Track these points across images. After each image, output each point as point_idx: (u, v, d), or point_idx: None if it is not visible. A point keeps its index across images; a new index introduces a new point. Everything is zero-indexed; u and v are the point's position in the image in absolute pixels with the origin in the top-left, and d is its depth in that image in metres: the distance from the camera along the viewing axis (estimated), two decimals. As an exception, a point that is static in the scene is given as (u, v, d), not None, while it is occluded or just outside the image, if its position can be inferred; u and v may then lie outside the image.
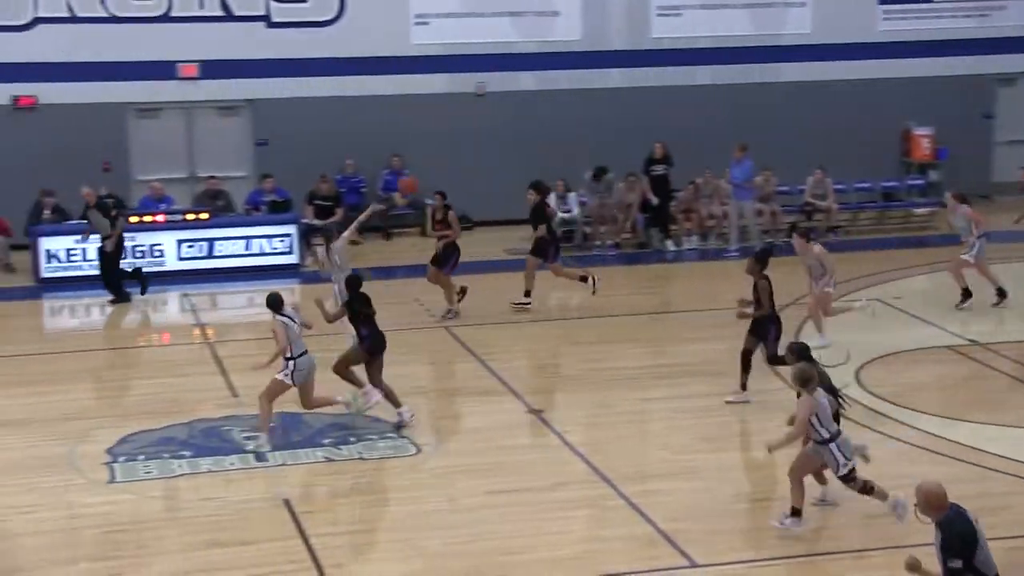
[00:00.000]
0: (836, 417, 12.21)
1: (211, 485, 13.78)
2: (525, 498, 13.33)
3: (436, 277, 19.47)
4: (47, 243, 22.14)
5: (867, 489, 12.05)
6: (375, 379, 15.01)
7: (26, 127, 24.02)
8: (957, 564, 8.73)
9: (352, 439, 14.83)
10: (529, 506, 13.13)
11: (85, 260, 21.84)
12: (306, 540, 12.29)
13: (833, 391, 12.39)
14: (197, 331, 19.48)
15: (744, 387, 15.65)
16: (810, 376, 11.93)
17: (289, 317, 14.47)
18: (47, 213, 22.77)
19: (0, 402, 16.15)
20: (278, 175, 24.02)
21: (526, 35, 25.99)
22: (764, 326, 15.46)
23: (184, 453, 14.55)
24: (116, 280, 20.69)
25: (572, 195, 24.62)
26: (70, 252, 22.08)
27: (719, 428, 15.17)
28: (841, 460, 11.95)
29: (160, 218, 22.65)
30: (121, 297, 20.58)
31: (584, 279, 20.02)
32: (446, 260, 19.40)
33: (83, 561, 11.94)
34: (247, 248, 22.82)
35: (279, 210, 23.58)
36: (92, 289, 21.06)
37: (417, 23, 25.50)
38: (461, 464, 14.29)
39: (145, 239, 22.34)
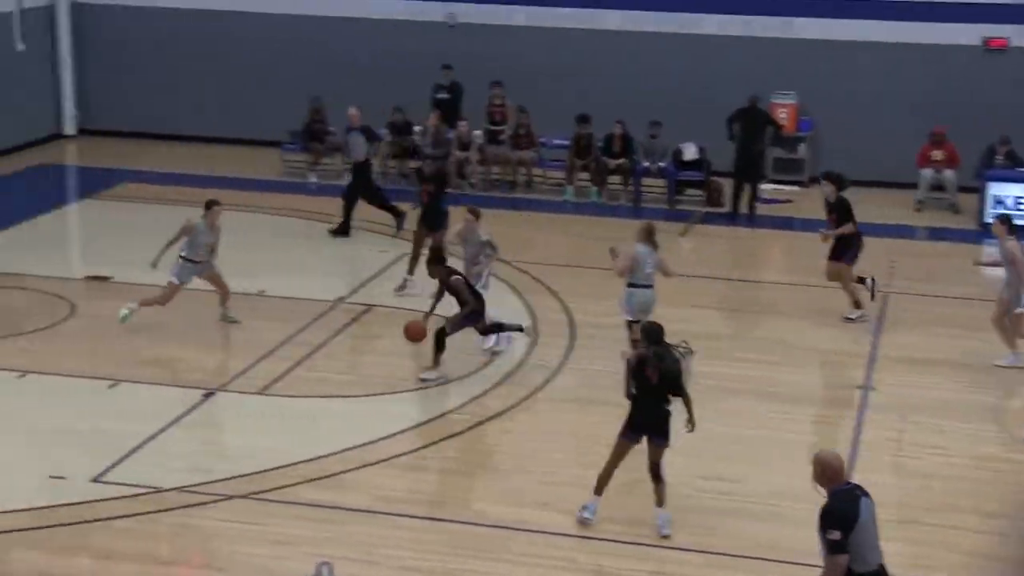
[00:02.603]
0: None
1: None
2: None
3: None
4: (995, 188, 22.06)
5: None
6: None
7: (994, 69, 23.95)
8: (835, 536, 8.39)
9: None
10: None
11: (1032, 210, 21.51)
12: None
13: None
14: None
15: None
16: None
17: None
18: (999, 158, 22.63)
19: (932, 341, 16.41)
20: None
21: None
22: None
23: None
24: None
25: None
26: (1018, 200, 21.84)
27: None
28: None
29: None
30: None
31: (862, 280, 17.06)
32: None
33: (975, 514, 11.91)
34: None
35: None
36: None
37: None
38: None
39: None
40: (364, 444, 13.13)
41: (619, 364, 11.83)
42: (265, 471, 12.47)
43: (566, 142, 23.35)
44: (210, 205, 16.13)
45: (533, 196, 23.47)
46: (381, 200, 20.30)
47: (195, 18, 26.11)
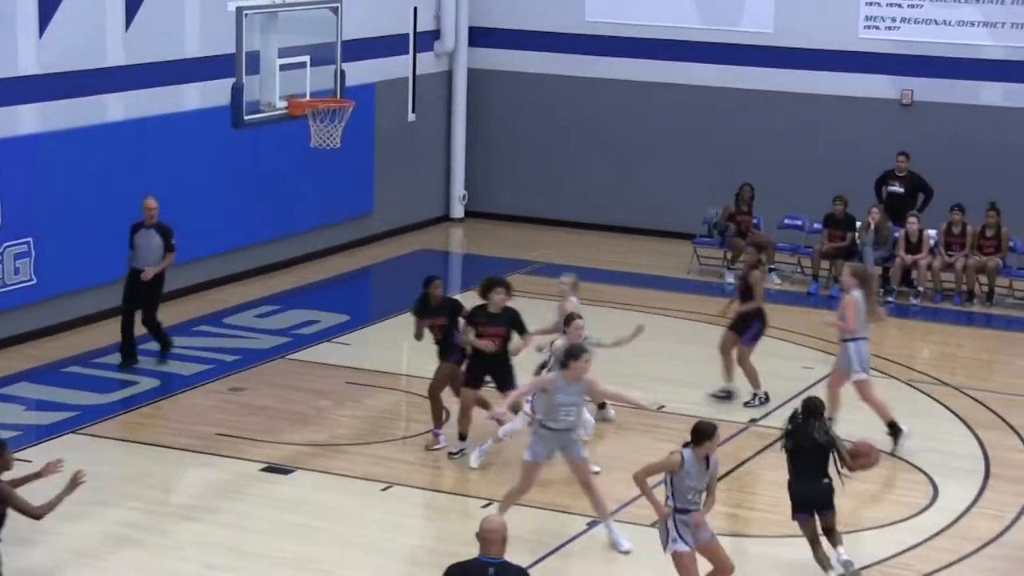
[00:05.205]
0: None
1: None
2: None
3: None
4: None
5: None
6: None
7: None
8: None
9: None
10: None
11: None
12: None
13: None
14: None
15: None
16: None
17: None
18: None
19: None
20: None
21: None
22: None
23: None
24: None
25: None
26: None
27: None
28: None
29: None
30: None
31: None
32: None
33: None
34: None
35: None
36: None
37: None
38: None
39: None
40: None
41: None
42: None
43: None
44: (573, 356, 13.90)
45: (994, 311, 22.92)
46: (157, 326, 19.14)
47: (595, 88, 26.75)
